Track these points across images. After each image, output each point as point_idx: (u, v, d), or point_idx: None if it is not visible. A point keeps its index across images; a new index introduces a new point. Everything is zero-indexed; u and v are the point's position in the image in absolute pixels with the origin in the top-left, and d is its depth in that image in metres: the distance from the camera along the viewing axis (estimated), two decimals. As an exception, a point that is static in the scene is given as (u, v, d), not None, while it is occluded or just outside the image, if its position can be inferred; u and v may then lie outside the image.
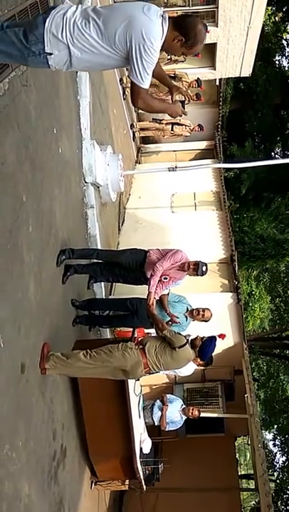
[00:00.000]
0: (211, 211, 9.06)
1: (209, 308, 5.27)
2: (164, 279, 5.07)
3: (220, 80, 11.89)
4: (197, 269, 4.90)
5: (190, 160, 12.34)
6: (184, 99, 2.97)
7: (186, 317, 5.09)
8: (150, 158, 12.16)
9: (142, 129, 10.93)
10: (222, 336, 4.52)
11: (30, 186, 3.91)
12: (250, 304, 15.84)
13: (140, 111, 10.28)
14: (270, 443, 16.67)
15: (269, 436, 17.22)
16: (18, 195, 3.65)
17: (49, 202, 4.48)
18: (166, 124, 10.01)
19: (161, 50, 2.50)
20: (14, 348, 3.46)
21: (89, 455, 5.41)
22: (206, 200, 9.50)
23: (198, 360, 4.25)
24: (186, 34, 2.45)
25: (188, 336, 4.35)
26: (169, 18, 2.46)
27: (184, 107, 2.92)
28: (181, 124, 9.86)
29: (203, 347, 4.12)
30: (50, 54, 2.40)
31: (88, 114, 6.08)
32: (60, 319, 4.78)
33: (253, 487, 8.75)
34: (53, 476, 4.29)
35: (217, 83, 12.19)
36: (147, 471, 5.55)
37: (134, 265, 4.91)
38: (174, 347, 4.03)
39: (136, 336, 5.11)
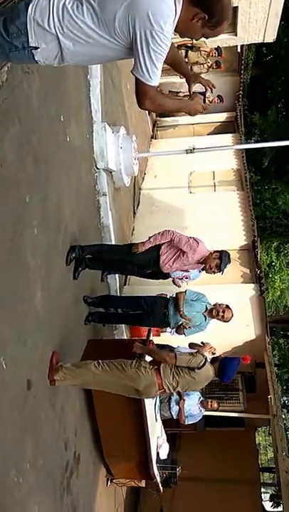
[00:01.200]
0: (231, 192, 8.54)
1: (230, 306, 4.90)
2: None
3: (241, 46, 11.06)
4: (220, 265, 4.49)
5: (209, 134, 11.70)
6: (204, 89, 2.39)
7: (205, 317, 4.74)
8: (167, 133, 11.55)
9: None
10: (246, 360, 4.14)
11: (33, 184, 3.54)
12: (270, 276, 15.37)
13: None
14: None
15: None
16: (21, 197, 3.30)
17: (56, 197, 4.12)
18: (184, 96, 9.39)
19: (174, 32, 1.93)
20: (19, 366, 3.19)
21: (104, 457, 5.24)
22: (226, 179, 8.95)
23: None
24: (210, 10, 1.87)
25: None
26: None
27: (205, 101, 2.35)
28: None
29: (224, 367, 3.77)
30: (36, 48, 1.92)
31: (99, 94, 5.60)
32: (71, 321, 4.51)
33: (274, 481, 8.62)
34: (65, 487, 4.11)
35: (238, 50, 11.37)
36: (164, 475, 5.37)
37: (149, 264, 4.56)
38: (192, 368, 3.70)
39: (151, 338, 4.85)
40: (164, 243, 4.57)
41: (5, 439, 2.93)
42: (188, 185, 8.85)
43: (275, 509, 10.54)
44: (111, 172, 6.11)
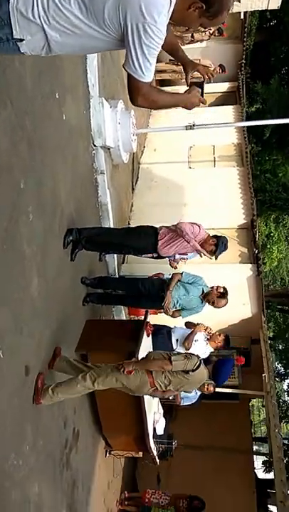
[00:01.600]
0: (231, 168, 8.41)
1: (227, 288, 4.93)
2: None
3: (245, 12, 10.64)
4: (216, 250, 4.49)
5: (210, 105, 11.41)
6: (202, 79, 2.27)
7: (202, 300, 4.77)
8: (167, 104, 11.25)
9: (157, 72, 10.00)
10: (240, 361, 4.12)
11: (28, 169, 3.47)
12: (268, 246, 15.39)
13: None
14: (285, 394, 16.98)
15: (284, 386, 17.54)
16: (15, 184, 3.24)
17: (52, 180, 4.05)
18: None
19: (169, 23, 1.80)
20: (17, 354, 3.23)
21: (102, 431, 5.40)
22: (226, 154, 8.80)
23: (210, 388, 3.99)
24: None
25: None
26: None
27: (203, 91, 2.23)
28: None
29: (218, 370, 3.76)
30: (22, 40, 1.79)
31: (96, 67, 5.42)
32: (69, 303, 4.53)
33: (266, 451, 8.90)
34: (64, 463, 4.25)
35: (242, 17, 10.94)
36: (161, 449, 5.54)
37: (147, 248, 4.55)
38: (187, 371, 3.69)
39: (148, 320, 4.90)
40: (162, 228, 4.55)
41: (5, 426, 3.00)
42: (188, 159, 8.70)
43: (267, 474, 10.97)
44: (109, 149, 6.00)
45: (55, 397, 3.62)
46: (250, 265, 6.36)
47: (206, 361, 3.88)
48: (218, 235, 4.63)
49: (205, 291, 4.74)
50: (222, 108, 10.63)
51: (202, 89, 2.26)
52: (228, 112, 10.24)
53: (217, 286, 4.93)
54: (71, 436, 4.49)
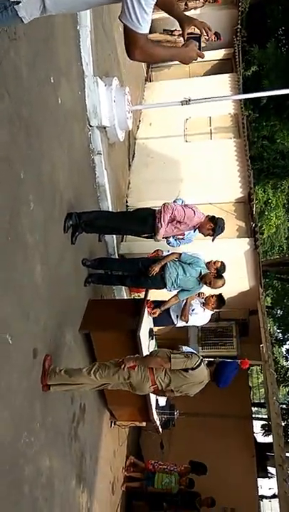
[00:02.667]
0: (227, 139, 8.35)
1: (224, 262, 5.04)
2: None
3: (240, -24, 10.29)
4: (214, 233, 4.60)
5: (205, 73, 11.22)
6: (199, 33, 2.23)
7: (199, 282, 4.90)
8: (161, 74, 11.05)
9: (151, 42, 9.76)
10: (245, 364, 4.12)
11: (27, 159, 3.52)
12: (266, 213, 15.43)
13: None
14: (283, 359, 17.44)
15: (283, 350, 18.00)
16: (15, 176, 3.30)
17: (50, 166, 4.10)
18: (179, 35, 8.89)
19: None
20: (25, 339, 3.38)
21: (107, 404, 5.65)
22: (222, 126, 8.71)
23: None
24: None
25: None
26: None
27: (200, 45, 2.20)
28: None
29: (219, 372, 3.78)
30: (18, 2, 1.76)
31: (90, 46, 5.33)
32: (72, 285, 4.66)
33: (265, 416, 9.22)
34: (73, 436, 4.49)
35: (237, -20, 10.59)
36: (163, 419, 5.80)
37: (145, 230, 4.65)
38: (186, 369, 3.72)
39: (148, 298, 5.03)
40: (160, 210, 4.62)
41: (15, 406, 3.18)
42: (184, 133, 8.63)
43: (266, 438, 11.45)
44: (105, 128, 5.98)
45: (60, 377, 3.73)
46: (247, 239, 6.46)
47: (209, 363, 3.87)
48: (216, 216, 4.69)
49: (203, 273, 4.86)
50: (218, 77, 10.45)
51: (199, 43, 2.22)
52: (224, 80, 10.08)
53: (215, 261, 5.03)
54: (78, 411, 4.71)
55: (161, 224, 4.49)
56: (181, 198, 5.12)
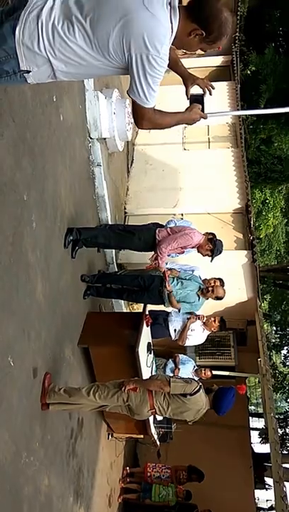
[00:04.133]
0: (225, 149, 8.39)
1: (222, 279, 5.06)
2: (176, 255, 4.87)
3: (239, -16, 10.31)
4: (212, 254, 4.62)
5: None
6: (203, 92, 2.29)
7: (199, 296, 4.92)
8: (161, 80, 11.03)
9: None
10: (242, 389, 4.15)
11: (31, 180, 3.53)
12: (264, 213, 15.49)
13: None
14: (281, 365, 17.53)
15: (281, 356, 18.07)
16: (19, 198, 3.30)
17: (53, 185, 4.10)
18: None
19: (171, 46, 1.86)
20: (25, 359, 3.38)
21: (104, 417, 5.65)
22: (220, 135, 8.74)
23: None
24: (207, 26, 1.83)
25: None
26: (180, 5, 1.81)
27: (203, 106, 2.28)
28: None
29: (219, 399, 3.71)
30: (28, 72, 1.83)
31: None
32: (71, 299, 4.66)
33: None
34: (71, 452, 4.49)
35: (236, -11, 10.61)
36: (161, 432, 5.81)
37: (146, 248, 4.66)
38: (185, 394, 3.68)
39: (146, 313, 5.04)
40: (159, 229, 4.63)
41: (16, 426, 3.18)
42: (183, 141, 8.65)
43: (264, 446, 11.48)
44: (104, 139, 5.99)
45: (60, 396, 3.72)
46: (245, 252, 6.49)
47: (207, 390, 3.81)
48: (215, 238, 4.71)
49: (202, 288, 4.89)
50: (215, 85, 10.39)
51: (202, 104, 2.30)
52: (221, 89, 10.09)
53: (209, 279, 5.02)
54: (76, 426, 4.72)
55: (160, 254, 4.50)
56: (174, 219, 5.15)
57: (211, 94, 2.36)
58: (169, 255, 5.02)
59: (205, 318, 5.57)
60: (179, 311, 4.97)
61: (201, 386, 3.74)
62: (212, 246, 4.63)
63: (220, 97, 9.74)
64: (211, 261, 4.73)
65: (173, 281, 4.87)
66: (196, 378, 6.34)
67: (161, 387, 3.71)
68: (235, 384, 8.19)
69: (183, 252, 4.84)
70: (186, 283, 4.84)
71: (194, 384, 3.72)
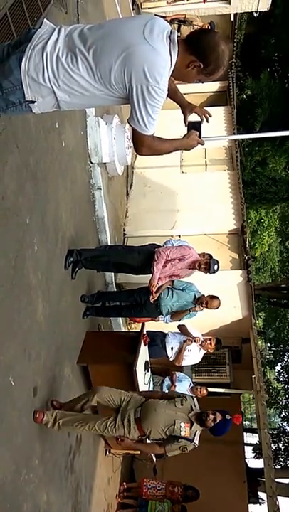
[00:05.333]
0: (222, 172, 8.64)
1: (217, 296, 5.22)
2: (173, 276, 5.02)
3: (235, 14, 10.72)
4: (208, 268, 4.80)
5: (200, 106, 11.50)
6: (200, 119, 2.44)
7: (195, 305, 5.09)
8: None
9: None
10: (237, 420, 4.26)
11: (33, 205, 3.71)
12: (259, 232, 15.73)
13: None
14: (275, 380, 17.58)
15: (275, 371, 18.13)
16: (21, 222, 3.48)
17: (54, 206, 4.30)
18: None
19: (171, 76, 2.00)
20: (26, 378, 3.51)
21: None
22: (217, 158, 9.01)
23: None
24: (205, 58, 1.92)
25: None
26: (180, 38, 1.95)
27: (200, 132, 2.43)
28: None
29: (216, 430, 3.86)
30: (33, 102, 1.95)
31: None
32: (71, 319, 4.80)
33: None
34: (69, 468, 4.57)
35: (232, 18, 11.02)
36: (158, 450, 5.87)
37: (144, 265, 4.83)
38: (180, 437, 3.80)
39: (144, 333, 5.19)
40: (156, 249, 4.81)
41: (16, 445, 3.29)
42: (180, 163, 8.91)
43: (258, 460, 11.48)
44: (105, 163, 6.21)
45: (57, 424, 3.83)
46: (240, 271, 6.67)
47: (201, 421, 3.91)
48: (211, 259, 4.89)
49: (197, 296, 5.06)
50: (213, 110, 10.73)
51: (200, 130, 2.46)
52: (218, 113, 10.39)
53: (206, 296, 5.18)
54: (74, 443, 4.81)
55: (154, 269, 4.67)
56: (172, 240, 5.34)
57: (208, 121, 2.50)
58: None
59: (201, 341, 5.71)
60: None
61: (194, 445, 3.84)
62: (207, 266, 4.80)
63: (217, 122, 10.01)
64: (214, 272, 4.86)
65: (168, 294, 5.05)
66: (193, 395, 6.46)
67: (154, 451, 3.91)
68: (230, 401, 8.33)
69: (180, 277, 5.00)
70: (180, 294, 5.01)
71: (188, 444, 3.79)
